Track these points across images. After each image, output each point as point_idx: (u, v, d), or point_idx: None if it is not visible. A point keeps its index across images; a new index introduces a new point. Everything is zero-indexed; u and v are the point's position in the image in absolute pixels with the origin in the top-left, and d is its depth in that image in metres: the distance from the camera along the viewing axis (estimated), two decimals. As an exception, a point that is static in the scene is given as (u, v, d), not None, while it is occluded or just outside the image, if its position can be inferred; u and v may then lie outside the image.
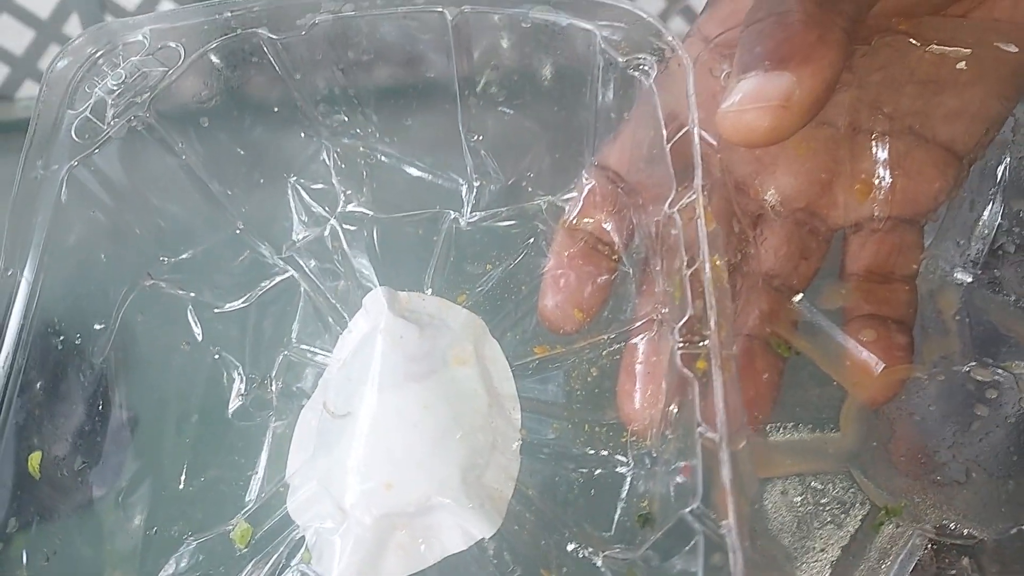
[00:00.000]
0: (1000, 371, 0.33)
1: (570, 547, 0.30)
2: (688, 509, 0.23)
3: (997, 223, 0.35)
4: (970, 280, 0.36)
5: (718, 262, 0.27)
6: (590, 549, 0.30)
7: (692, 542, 0.23)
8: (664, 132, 0.29)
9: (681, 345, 0.26)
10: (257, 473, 0.33)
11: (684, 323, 0.26)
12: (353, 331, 0.34)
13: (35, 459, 0.29)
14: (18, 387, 0.28)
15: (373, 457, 0.30)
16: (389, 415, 0.30)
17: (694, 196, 0.27)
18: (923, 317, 0.35)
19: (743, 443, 0.25)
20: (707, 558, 0.23)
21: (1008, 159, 0.34)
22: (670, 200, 0.28)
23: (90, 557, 0.31)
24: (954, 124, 0.32)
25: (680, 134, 0.28)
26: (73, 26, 0.71)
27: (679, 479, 0.27)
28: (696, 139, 0.28)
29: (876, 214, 0.35)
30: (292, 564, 0.30)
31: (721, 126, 0.26)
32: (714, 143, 0.32)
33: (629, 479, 0.32)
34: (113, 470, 0.32)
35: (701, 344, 0.26)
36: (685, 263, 0.27)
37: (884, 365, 0.33)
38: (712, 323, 0.25)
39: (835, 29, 0.25)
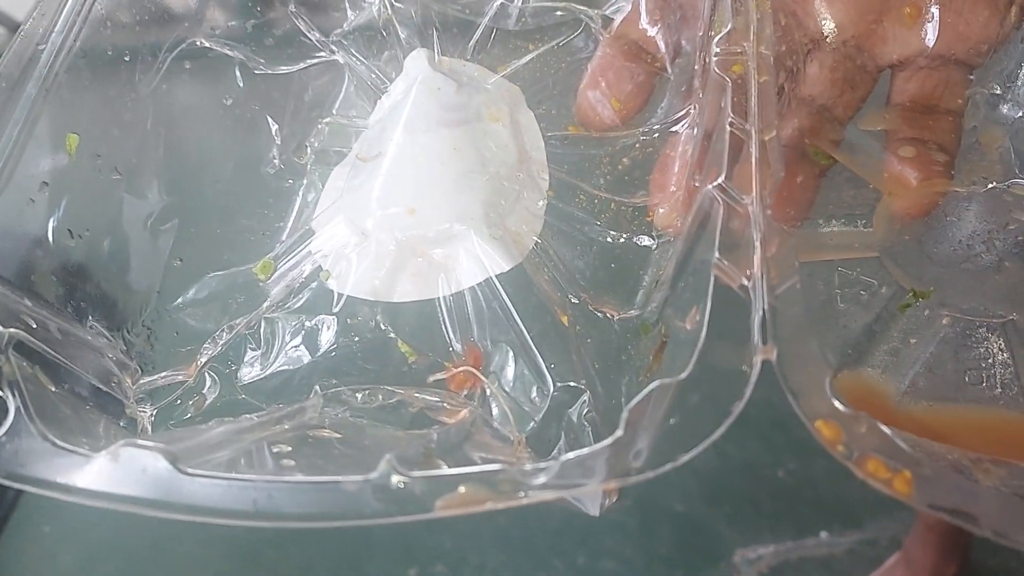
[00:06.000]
0: (1042, 186, 0.32)
1: (588, 307, 0.30)
2: (713, 184, 0.23)
3: None
4: (1018, 115, 0.35)
5: None
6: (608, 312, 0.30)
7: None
8: None
9: (718, 53, 0.26)
10: (286, 225, 0.34)
11: (724, 35, 0.26)
12: (392, 93, 0.34)
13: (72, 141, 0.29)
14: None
15: (398, 185, 0.30)
16: (418, 151, 0.30)
17: None
18: (966, 149, 0.34)
19: (772, 134, 0.24)
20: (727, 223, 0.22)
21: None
22: None
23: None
24: None
25: None
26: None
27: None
28: None
29: (926, 39, 0.34)
30: (310, 285, 0.30)
31: None
32: None
33: (651, 254, 0.31)
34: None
35: (739, 52, 0.26)
36: None
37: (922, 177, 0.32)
38: (752, 33, 0.25)
39: None
